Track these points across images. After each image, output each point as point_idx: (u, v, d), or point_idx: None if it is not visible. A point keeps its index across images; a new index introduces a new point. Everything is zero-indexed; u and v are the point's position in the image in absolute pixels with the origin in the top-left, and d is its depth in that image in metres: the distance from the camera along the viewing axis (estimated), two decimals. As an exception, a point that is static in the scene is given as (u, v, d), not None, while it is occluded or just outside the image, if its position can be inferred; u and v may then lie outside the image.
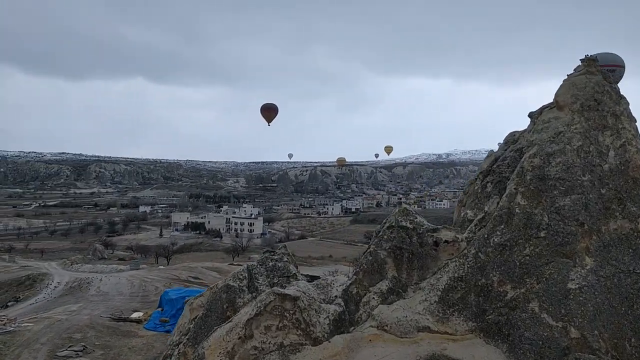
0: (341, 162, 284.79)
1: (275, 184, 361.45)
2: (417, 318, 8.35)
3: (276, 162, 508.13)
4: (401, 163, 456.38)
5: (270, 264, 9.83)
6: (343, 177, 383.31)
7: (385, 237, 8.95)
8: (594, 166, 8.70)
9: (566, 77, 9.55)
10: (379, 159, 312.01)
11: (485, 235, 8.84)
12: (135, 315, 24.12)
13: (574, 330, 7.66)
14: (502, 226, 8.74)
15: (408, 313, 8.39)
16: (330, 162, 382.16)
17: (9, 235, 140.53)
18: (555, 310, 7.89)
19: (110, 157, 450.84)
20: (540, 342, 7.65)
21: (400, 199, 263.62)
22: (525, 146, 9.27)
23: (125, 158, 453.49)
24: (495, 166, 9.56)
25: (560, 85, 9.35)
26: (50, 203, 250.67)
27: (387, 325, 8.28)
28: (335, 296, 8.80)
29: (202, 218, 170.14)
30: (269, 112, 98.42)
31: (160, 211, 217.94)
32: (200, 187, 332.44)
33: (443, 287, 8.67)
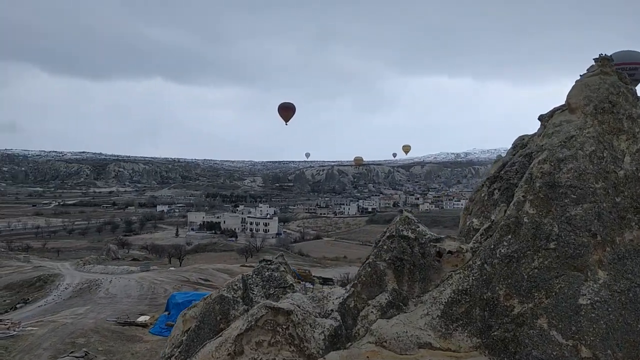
0: (358, 162, 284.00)
1: (292, 184, 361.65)
2: (418, 333, 7.89)
3: (293, 161, 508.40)
4: (419, 162, 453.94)
5: (267, 273, 9.42)
6: (360, 176, 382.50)
7: (385, 247, 8.50)
8: (608, 173, 8.16)
9: (579, 77, 9.02)
10: (396, 158, 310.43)
11: (492, 246, 8.35)
12: (141, 319, 23.88)
13: (585, 350, 7.16)
14: (510, 236, 8.25)
15: (408, 328, 7.94)
16: (347, 161, 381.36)
17: (28, 234, 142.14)
18: (565, 327, 7.39)
19: (129, 156, 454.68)
20: (549, 362, 7.16)
21: (418, 198, 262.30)
22: (535, 151, 8.76)
23: (144, 157, 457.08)
24: (503, 172, 9.05)
25: (573, 87, 8.82)
26: (70, 202, 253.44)
27: (386, 341, 7.83)
28: (332, 310, 8.36)
29: (217, 218, 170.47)
30: (287, 111, 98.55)
31: (177, 210, 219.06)
32: (217, 186, 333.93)
33: (446, 300, 8.21)
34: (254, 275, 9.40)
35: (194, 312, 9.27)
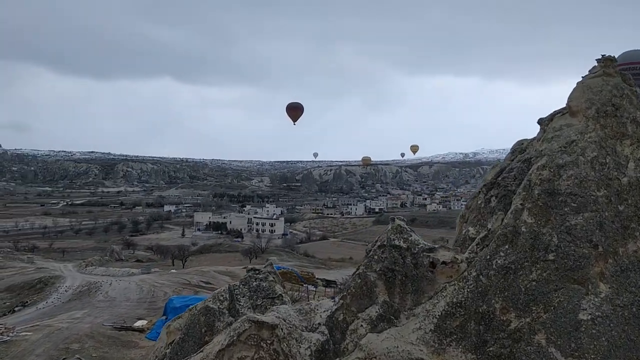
0: (366, 162, 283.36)
1: (299, 184, 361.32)
2: (410, 349, 7.51)
3: (301, 161, 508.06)
4: (427, 162, 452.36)
5: (254, 283, 9.05)
6: (368, 176, 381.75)
7: (376, 257, 8.11)
8: (611, 180, 7.74)
9: (581, 79, 8.59)
10: (404, 158, 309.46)
11: (488, 257, 7.95)
12: (138, 323, 23.56)
13: (586, 368, 6.76)
14: (507, 246, 7.85)
15: (400, 343, 7.56)
16: (355, 161, 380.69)
17: (35, 233, 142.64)
18: (564, 343, 7.00)
19: (137, 156, 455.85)
20: (547, 381, 6.77)
21: (425, 199, 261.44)
22: (534, 156, 8.35)
23: (152, 157, 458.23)
24: (500, 178, 8.64)
25: (574, 89, 8.39)
26: (78, 202, 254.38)
27: (375, 357, 7.46)
28: (319, 323, 7.98)
29: (224, 218, 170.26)
30: (295, 111, 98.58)
31: (184, 210, 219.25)
32: (225, 186, 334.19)
33: (440, 313, 7.83)
34: (241, 286, 9.04)
35: (178, 324, 8.92)
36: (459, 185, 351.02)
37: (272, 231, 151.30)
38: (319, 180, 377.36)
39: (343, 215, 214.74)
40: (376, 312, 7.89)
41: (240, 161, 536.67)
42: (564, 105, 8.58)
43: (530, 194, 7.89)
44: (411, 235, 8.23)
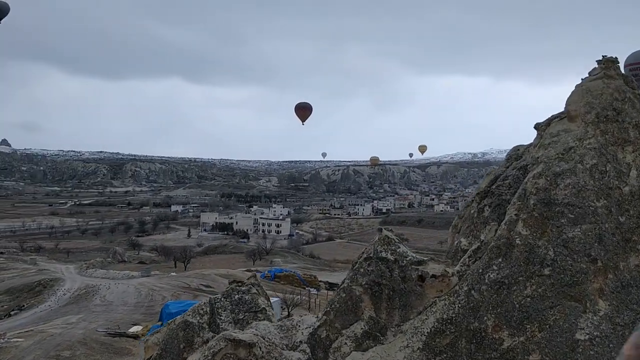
0: (374, 161, 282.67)
1: (307, 184, 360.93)
2: (397, 368, 7.07)
3: (309, 161, 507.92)
4: (435, 162, 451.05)
5: (236, 296, 8.63)
6: (375, 176, 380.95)
7: (362, 270, 7.67)
8: (611, 189, 7.26)
9: (580, 81, 8.10)
10: (413, 158, 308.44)
11: (480, 270, 7.50)
12: (133, 329, 23.14)
13: (583, 393, 6.31)
14: (500, 260, 7.40)
15: (386, 362, 7.13)
16: (363, 161, 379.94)
17: (42, 234, 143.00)
18: (560, 365, 6.54)
19: (146, 156, 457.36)
20: (540, 407, 6.32)
21: (433, 199, 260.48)
22: (530, 163, 7.88)
23: (161, 157, 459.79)
24: (494, 186, 8.17)
25: (572, 92, 7.90)
26: (85, 202, 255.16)
27: (359, 377, 7.02)
28: (301, 341, 7.55)
29: (230, 218, 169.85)
30: (303, 111, 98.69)
31: (191, 211, 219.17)
32: (233, 186, 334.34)
33: (429, 330, 7.39)
34: (222, 299, 8.62)
35: (156, 338, 8.52)
36: (467, 185, 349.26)
37: (278, 232, 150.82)
38: (327, 181, 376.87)
39: (350, 215, 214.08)
40: (361, 328, 7.46)
41: (249, 161, 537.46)
42: (563, 109, 8.11)
43: (526, 204, 7.43)
44: (399, 247, 7.78)
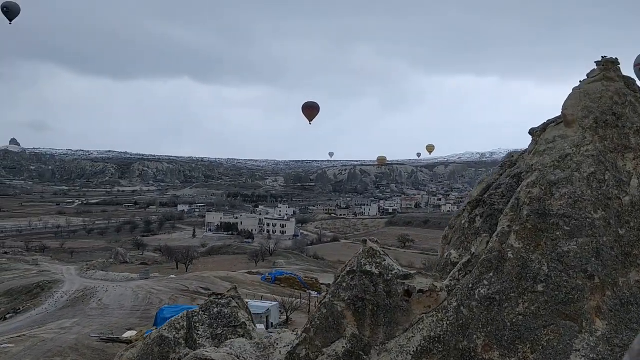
0: (381, 161, 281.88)
1: (313, 184, 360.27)
2: (380, 390, 6.65)
3: (316, 160, 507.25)
4: (443, 162, 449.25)
5: (215, 310, 8.21)
6: (383, 176, 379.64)
7: (345, 284, 7.23)
8: (610, 199, 6.79)
9: (579, 83, 7.62)
10: (420, 157, 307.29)
11: (470, 285, 7.06)
12: (127, 334, 22.70)
13: (577, 421, 5.86)
14: (491, 274, 6.95)
15: (368, 383, 6.70)
16: (370, 160, 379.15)
17: (48, 233, 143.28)
18: (553, 390, 6.10)
19: (154, 155, 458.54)
20: None
21: (440, 199, 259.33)
22: (524, 171, 7.42)
23: (169, 156, 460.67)
24: (486, 195, 7.70)
25: (569, 95, 7.43)
26: (93, 201, 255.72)
27: (340, 399, 6.59)
28: (278, 360, 7.12)
29: (235, 218, 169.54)
30: (311, 110, 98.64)
31: (197, 210, 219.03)
32: (239, 186, 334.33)
33: (415, 349, 6.95)
34: (200, 312, 8.20)
35: (131, 354, 8.10)
36: (474, 185, 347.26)
37: (282, 232, 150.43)
38: (334, 180, 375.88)
39: (356, 216, 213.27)
40: (343, 347, 7.02)
41: (256, 160, 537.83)
42: (559, 114, 7.64)
43: (519, 215, 6.98)
44: (385, 260, 7.34)
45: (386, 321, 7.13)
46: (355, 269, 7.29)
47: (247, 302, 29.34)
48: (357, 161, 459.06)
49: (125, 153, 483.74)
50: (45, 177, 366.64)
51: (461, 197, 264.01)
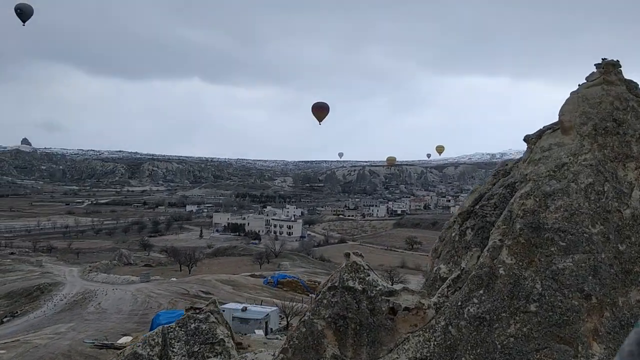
0: (391, 162, 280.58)
1: (322, 184, 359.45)
2: (360, 415, 6.21)
3: (325, 161, 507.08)
4: (453, 163, 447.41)
5: (193, 325, 7.78)
6: (392, 177, 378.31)
7: (325, 301, 6.80)
8: (610, 212, 6.31)
9: (577, 87, 7.13)
10: (430, 158, 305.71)
11: (459, 303, 6.61)
12: (122, 340, 22.31)
13: None
14: (481, 291, 6.50)
15: (348, 408, 6.26)
16: (380, 161, 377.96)
17: (56, 233, 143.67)
18: (546, 419, 5.65)
19: (163, 155, 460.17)
20: None
21: (449, 200, 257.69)
22: (518, 181, 6.95)
23: (178, 157, 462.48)
24: (478, 206, 7.24)
25: (567, 100, 6.94)
26: (102, 201, 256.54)
27: None
28: (253, 381, 6.69)
29: (243, 219, 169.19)
30: (320, 111, 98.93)
31: (205, 210, 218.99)
32: (248, 186, 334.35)
33: (399, 371, 6.50)
34: (177, 328, 7.77)
35: (104, 370, 7.70)
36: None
37: (289, 233, 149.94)
38: (342, 181, 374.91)
39: (364, 217, 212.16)
40: (323, 368, 6.58)
41: (265, 161, 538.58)
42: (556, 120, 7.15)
43: (511, 228, 6.52)
44: (369, 275, 6.90)
45: (369, 341, 6.69)
46: (337, 284, 6.86)
47: (246, 307, 28.85)
48: (366, 162, 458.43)
49: (136, 153, 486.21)
50: (56, 177, 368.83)
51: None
